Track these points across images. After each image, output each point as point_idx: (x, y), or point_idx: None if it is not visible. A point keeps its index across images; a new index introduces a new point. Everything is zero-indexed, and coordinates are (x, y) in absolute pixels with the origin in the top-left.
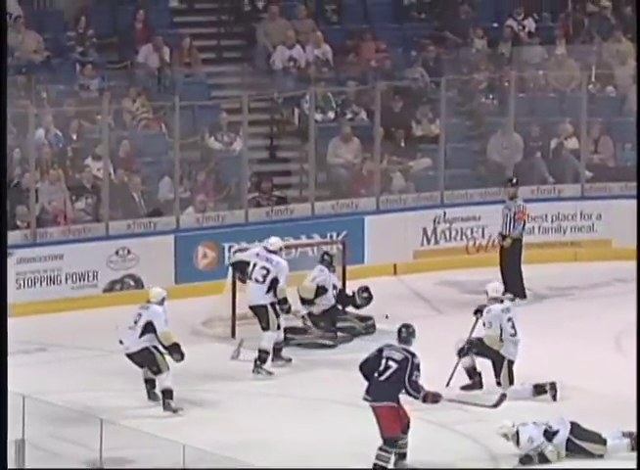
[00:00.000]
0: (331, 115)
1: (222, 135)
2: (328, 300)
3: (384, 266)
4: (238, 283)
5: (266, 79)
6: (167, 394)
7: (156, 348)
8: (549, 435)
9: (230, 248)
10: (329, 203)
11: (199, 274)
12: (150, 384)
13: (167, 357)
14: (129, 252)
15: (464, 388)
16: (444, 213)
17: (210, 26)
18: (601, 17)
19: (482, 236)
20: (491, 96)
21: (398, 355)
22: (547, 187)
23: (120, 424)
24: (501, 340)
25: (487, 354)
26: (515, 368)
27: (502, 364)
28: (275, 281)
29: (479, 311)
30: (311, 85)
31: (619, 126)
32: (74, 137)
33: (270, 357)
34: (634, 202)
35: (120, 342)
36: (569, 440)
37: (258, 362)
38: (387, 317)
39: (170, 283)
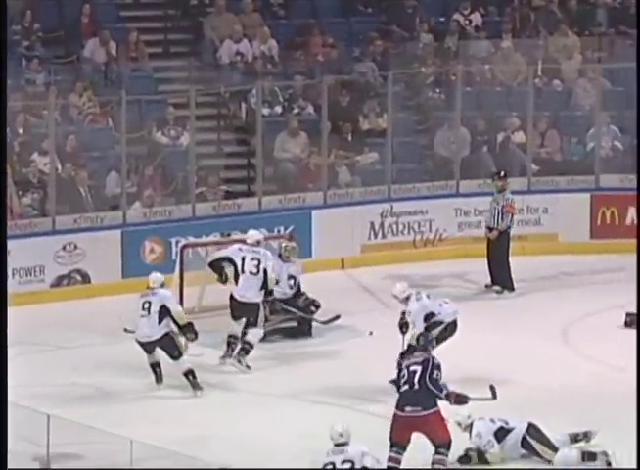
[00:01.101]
0: (278, 109)
1: (169, 130)
2: (281, 289)
3: (331, 260)
4: (185, 276)
5: (213, 74)
6: (191, 374)
7: (174, 332)
8: (501, 433)
9: (177, 242)
10: (276, 197)
11: (146, 269)
12: (155, 367)
13: None
14: (76, 247)
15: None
16: (391, 207)
17: (157, 21)
18: (547, 11)
19: (430, 230)
20: (438, 90)
21: (418, 359)
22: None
23: (69, 420)
24: None
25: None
26: (462, 362)
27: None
28: (266, 272)
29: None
30: (258, 80)
31: (566, 120)
32: (20, 132)
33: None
34: (580, 195)
35: (126, 330)
36: (524, 438)
37: (242, 353)
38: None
39: (117, 278)
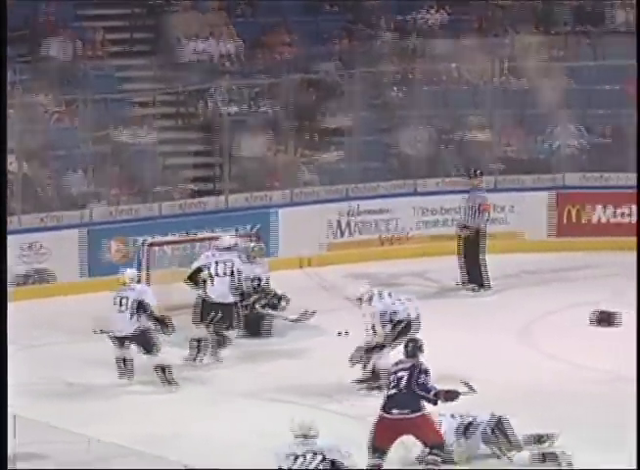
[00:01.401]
0: (243, 107)
1: (134, 128)
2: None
3: (296, 259)
4: (151, 275)
5: (177, 73)
6: (164, 369)
7: (148, 327)
8: (466, 428)
9: (143, 241)
10: (242, 195)
11: (112, 268)
12: (124, 363)
13: None
14: (41, 246)
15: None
16: (357, 206)
17: (121, 19)
18: (512, 9)
19: (394, 228)
20: (402, 89)
21: (405, 365)
22: (457, 180)
23: (33, 419)
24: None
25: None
26: (426, 361)
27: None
28: (238, 273)
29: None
30: (223, 78)
31: (531, 119)
32: None
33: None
34: (545, 194)
35: (99, 332)
36: (492, 431)
37: (216, 346)
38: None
39: (83, 276)
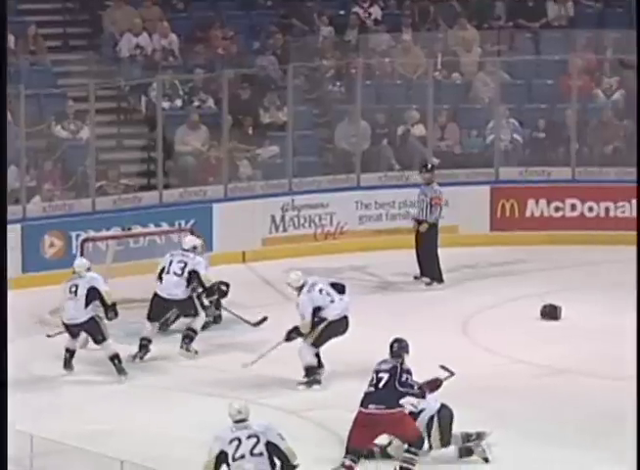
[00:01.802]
0: (178, 102)
1: (69, 123)
2: None
3: (232, 254)
4: None
5: (113, 67)
6: (117, 358)
7: (99, 316)
8: (415, 417)
9: (77, 236)
10: (177, 191)
11: (46, 263)
12: (70, 354)
13: None
14: None
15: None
16: (292, 201)
17: (56, 14)
18: (446, 4)
19: (331, 223)
20: (338, 83)
21: (387, 365)
22: (394, 174)
23: None
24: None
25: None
26: (360, 356)
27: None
28: (193, 273)
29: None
30: (158, 73)
31: (465, 113)
32: None
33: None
34: (480, 188)
35: (48, 335)
36: (432, 417)
37: (186, 340)
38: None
39: (17, 272)
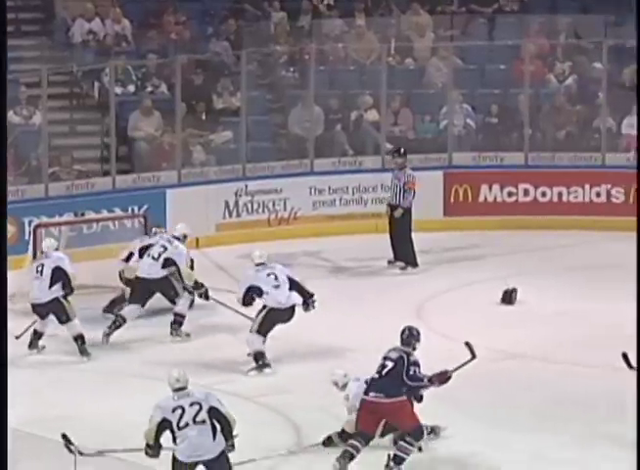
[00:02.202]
0: (131, 88)
1: (21, 109)
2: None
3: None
4: (39, 257)
5: (65, 53)
6: (81, 339)
7: (64, 297)
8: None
9: (30, 222)
10: (130, 176)
11: None
12: (37, 335)
13: None
14: None
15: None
16: (246, 186)
17: None
18: None
19: (284, 208)
20: (292, 69)
21: (394, 354)
22: (348, 159)
23: None
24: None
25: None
26: (315, 342)
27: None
28: (169, 261)
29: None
30: (111, 59)
31: (418, 98)
32: None
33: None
34: (433, 173)
35: (17, 337)
36: None
37: (175, 326)
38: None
39: None
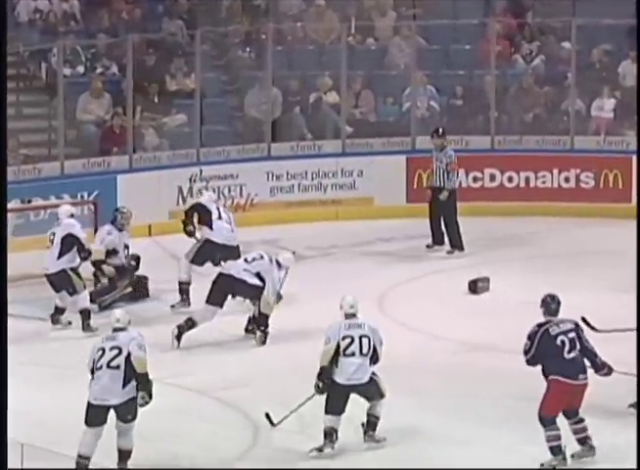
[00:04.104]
0: (80, 69)
1: None
2: (120, 260)
3: (138, 227)
4: None
5: (11, 33)
6: (85, 314)
7: (72, 269)
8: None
9: None
10: (79, 161)
11: None
12: (58, 311)
13: None
14: None
15: None
16: (200, 172)
17: None
18: None
19: (240, 195)
20: (248, 49)
21: (568, 325)
22: (306, 143)
23: None
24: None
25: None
26: (275, 332)
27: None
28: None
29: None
30: (59, 38)
31: (380, 80)
32: None
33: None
34: (395, 158)
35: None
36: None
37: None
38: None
39: None
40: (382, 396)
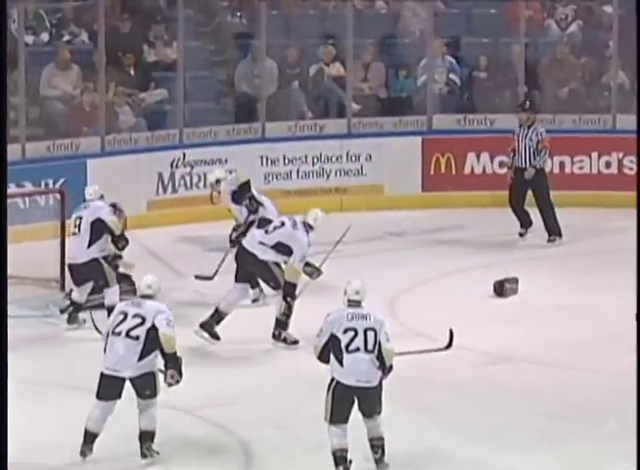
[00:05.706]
0: (44, 37)
1: None
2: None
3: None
4: None
5: None
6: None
7: (104, 258)
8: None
9: None
10: (44, 144)
11: None
12: (76, 307)
13: None
14: None
15: None
16: (184, 156)
17: None
18: None
19: None
20: (239, 14)
21: None
22: (306, 123)
23: None
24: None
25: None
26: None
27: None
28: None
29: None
30: (19, 2)
31: (392, 49)
32: None
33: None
34: (409, 140)
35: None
36: None
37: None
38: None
39: None
40: (380, 411)
